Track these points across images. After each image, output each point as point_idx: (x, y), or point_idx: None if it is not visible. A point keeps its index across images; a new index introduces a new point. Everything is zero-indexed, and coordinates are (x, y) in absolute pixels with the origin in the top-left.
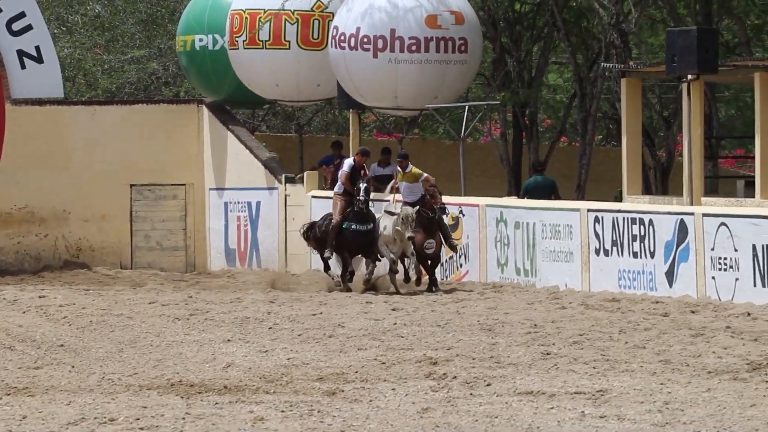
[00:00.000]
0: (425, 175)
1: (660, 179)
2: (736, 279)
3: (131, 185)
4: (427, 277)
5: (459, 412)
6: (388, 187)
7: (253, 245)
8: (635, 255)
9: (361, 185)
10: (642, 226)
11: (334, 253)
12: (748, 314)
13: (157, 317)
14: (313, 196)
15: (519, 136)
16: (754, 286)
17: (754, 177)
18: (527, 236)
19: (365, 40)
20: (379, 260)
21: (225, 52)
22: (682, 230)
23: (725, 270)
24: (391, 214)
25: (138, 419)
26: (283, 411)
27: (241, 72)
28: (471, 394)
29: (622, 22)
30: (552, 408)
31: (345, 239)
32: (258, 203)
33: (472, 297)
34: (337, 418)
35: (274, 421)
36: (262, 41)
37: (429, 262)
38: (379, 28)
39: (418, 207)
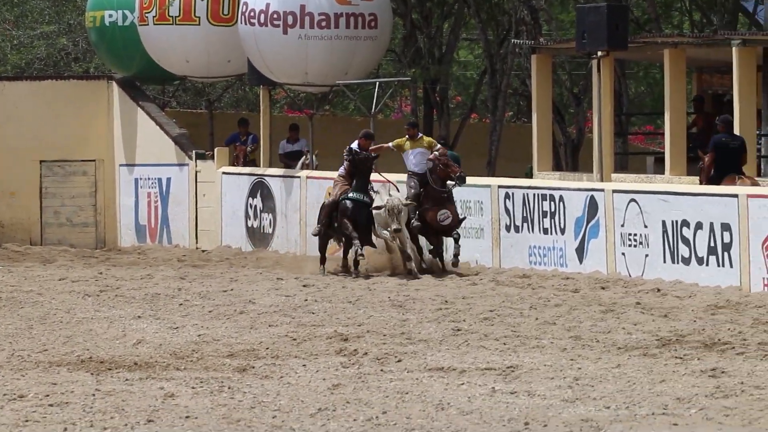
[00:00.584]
0: (439, 145)
1: (570, 156)
2: (646, 255)
3: (41, 161)
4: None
5: (370, 388)
6: (299, 163)
7: (164, 221)
8: (546, 231)
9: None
10: (552, 203)
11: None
12: (658, 290)
13: (67, 294)
14: (224, 173)
15: (430, 112)
16: (664, 262)
17: (663, 153)
18: None
19: (275, 16)
20: (374, 246)
21: (135, 28)
22: (593, 206)
23: (635, 246)
24: (378, 208)
25: (47, 396)
26: (193, 387)
27: (151, 48)
28: (382, 370)
29: None
30: (462, 384)
31: (345, 208)
32: (168, 179)
33: (383, 273)
34: (247, 394)
35: (184, 398)
36: (172, 17)
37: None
38: (288, 4)
39: (406, 197)
